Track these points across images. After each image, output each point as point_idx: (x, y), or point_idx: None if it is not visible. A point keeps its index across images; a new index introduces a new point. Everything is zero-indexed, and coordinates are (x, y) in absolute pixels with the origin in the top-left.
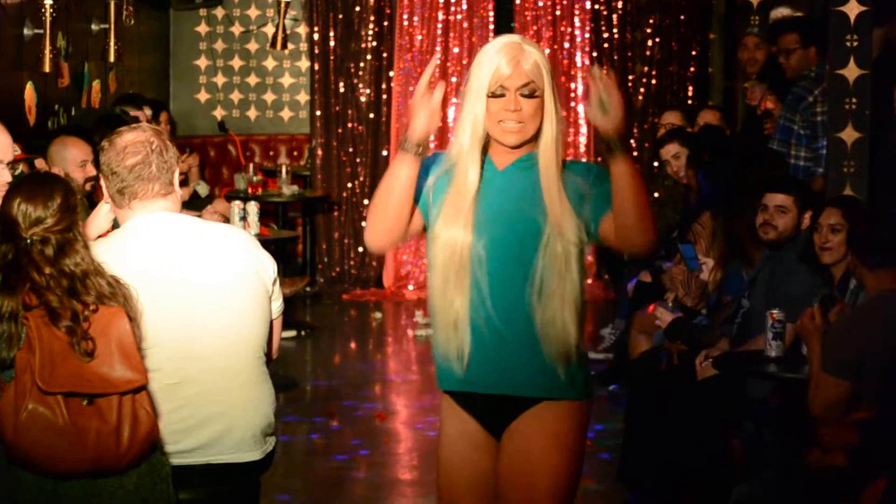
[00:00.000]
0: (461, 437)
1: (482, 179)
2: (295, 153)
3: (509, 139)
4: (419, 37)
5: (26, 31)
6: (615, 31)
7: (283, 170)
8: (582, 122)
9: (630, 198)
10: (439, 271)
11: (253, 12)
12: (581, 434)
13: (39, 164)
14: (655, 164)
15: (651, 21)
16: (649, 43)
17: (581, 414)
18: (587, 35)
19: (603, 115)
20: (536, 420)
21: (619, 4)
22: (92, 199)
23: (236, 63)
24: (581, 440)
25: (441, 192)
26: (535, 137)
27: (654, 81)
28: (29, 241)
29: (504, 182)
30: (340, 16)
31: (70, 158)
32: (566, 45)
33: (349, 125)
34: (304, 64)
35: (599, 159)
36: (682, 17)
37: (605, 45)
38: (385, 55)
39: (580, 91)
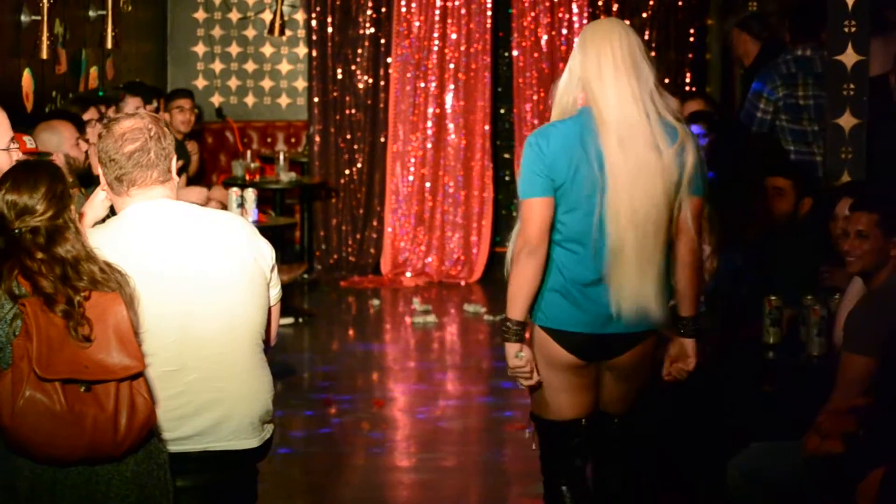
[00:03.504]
0: None
1: None
2: (293, 140)
3: None
4: (417, 23)
5: (23, 18)
6: (613, 15)
7: (281, 156)
8: None
9: None
10: None
11: None
12: None
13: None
14: None
15: (649, 6)
16: (647, 29)
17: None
18: (585, 21)
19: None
20: None
21: None
22: (91, 175)
23: (234, 49)
24: None
25: None
26: None
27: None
28: (18, 231)
29: None
30: (338, 2)
31: (64, 139)
32: (564, 31)
33: (347, 112)
34: (301, 50)
35: None
36: (679, 3)
37: None
38: (383, 42)
39: None
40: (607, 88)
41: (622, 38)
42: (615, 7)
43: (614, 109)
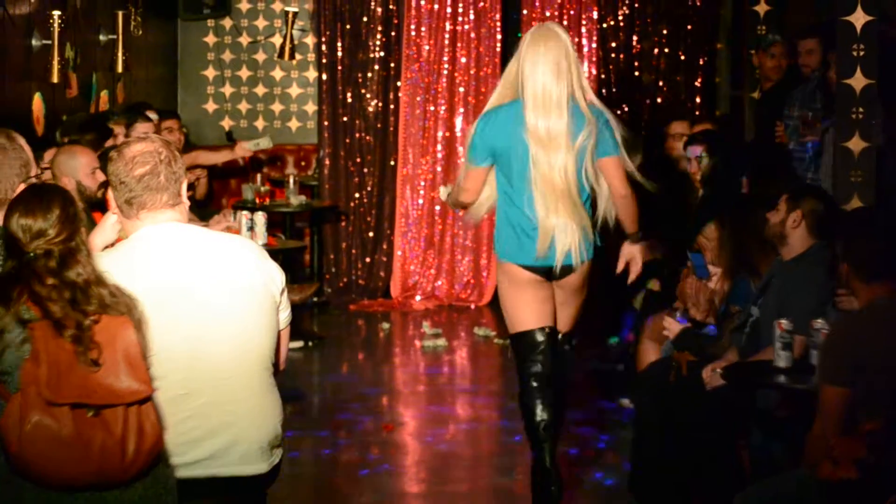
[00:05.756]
0: None
1: None
2: (303, 163)
3: None
4: (426, 47)
5: (34, 42)
6: (622, 40)
7: (291, 180)
8: None
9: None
10: None
11: (261, 23)
12: None
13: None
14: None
15: (659, 31)
16: (656, 52)
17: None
18: (594, 45)
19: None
20: None
21: (627, 14)
22: (103, 206)
23: (244, 73)
24: None
25: None
26: None
27: (661, 91)
28: (32, 255)
29: None
30: (348, 26)
31: (80, 166)
32: None
33: (357, 135)
34: (311, 74)
35: None
36: (689, 27)
37: (612, 55)
38: (392, 65)
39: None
40: (531, 81)
41: (549, 41)
42: (622, 31)
43: (537, 98)
